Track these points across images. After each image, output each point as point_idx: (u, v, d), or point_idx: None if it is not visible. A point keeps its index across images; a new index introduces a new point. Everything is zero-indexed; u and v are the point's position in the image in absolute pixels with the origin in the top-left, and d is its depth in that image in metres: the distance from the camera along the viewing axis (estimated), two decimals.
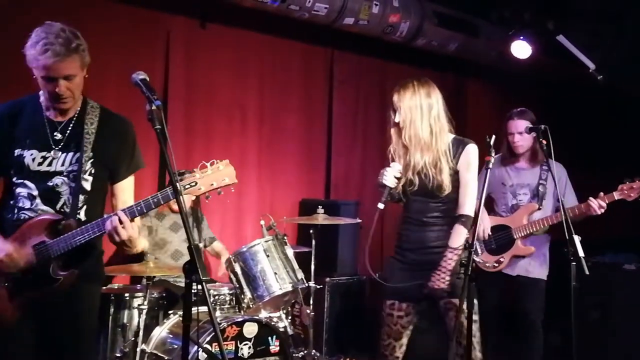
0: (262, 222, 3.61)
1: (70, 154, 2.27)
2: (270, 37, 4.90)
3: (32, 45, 2.14)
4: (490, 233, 3.84)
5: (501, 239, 3.80)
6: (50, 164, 2.26)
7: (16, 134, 2.26)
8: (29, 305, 2.21)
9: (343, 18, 4.47)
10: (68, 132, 2.29)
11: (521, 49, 4.87)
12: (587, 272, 2.88)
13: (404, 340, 2.86)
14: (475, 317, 2.67)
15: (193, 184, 2.29)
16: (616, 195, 3.49)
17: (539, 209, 3.73)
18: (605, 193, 3.50)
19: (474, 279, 2.51)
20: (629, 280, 4.39)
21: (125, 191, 2.43)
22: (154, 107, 1.99)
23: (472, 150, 2.74)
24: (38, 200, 2.24)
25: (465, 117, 5.91)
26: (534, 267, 3.76)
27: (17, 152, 2.24)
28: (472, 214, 2.72)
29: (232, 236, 4.66)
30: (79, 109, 2.33)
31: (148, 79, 2.08)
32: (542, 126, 3.18)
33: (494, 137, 2.61)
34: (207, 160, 4.54)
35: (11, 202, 2.25)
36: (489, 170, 2.62)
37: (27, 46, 2.16)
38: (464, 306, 2.60)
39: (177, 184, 2.00)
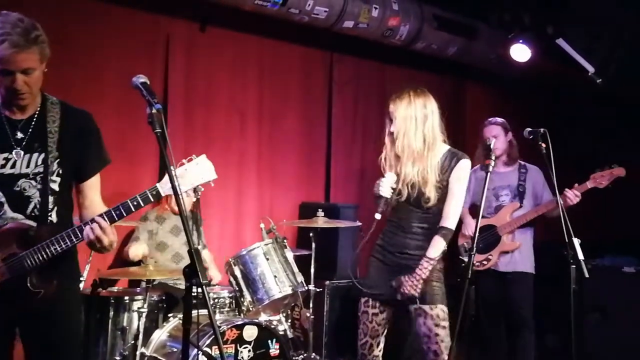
0: (262, 225, 3.61)
1: (35, 155, 2.12)
2: (270, 40, 4.90)
3: None
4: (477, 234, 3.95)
5: (488, 238, 3.93)
6: (13, 166, 2.09)
7: None
8: (8, 322, 2.10)
9: (343, 21, 4.48)
10: (30, 131, 2.12)
11: (521, 52, 4.88)
12: (586, 275, 2.89)
13: (381, 339, 2.86)
14: (445, 323, 2.69)
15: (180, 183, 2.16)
16: (589, 184, 3.71)
17: (521, 207, 3.95)
18: (579, 183, 3.72)
19: (473, 282, 2.52)
20: (628, 283, 4.40)
21: (93, 188, 2.28)
22: (154, 111, 1.96)
23: (465, 166, 2.75)
24: (6, 207, 2.08)
25: (464, 121, 5.93)
26: (522, 260, 3.94)
27: None
28: (453, 228, 2.74)
29: (232, 239, 4.66)
30: (39, 106, 2.16)
31: (148, 82, 2.06)
32: (541, 130, 3.21)
33: (494, 140, 2.62)
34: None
35: None
36: (488, 173, 2.63)
37: None
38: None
39: (178, 187, 1.98)
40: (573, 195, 3.67)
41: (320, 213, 3.84)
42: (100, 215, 2.08)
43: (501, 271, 3.97)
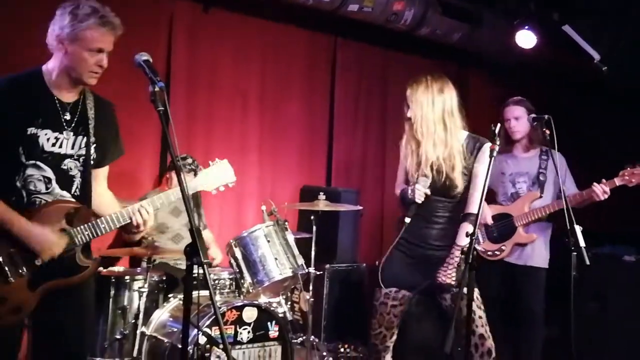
0: (263, 208, 3.61)
1: (80, 137, 2.23)
2: (273, 23, 4.87)
3: (86, 15, 2.11)
4: (491, 222, 3.85)
5: (503, 227, 3.80)
6: (60, 146, 2.19)
7: (26, 111, 2.13)
8: (47, 295, 2.14)
9: (347, 5, 4.44)
10: (77, 114, 2.24)
11: (526, 39, 4.83)
12: (587, 263, 2.87)
13: (395, 330, 2.89)
14: (481, 306, 2.73)
15: (205, 182, 2.49)
16: (617, 181, 3.48)
17: (540, 197, 3.73)
18: (606, 179, 3.50)
19: (475, 267, 2.51)
20: (628, 272, 4.40)
21: (105, 175, 2.44)
22: (156, 89, 1.97)
23: (487, 150, 2.72)
24: (55, 184, 2.17)
25: (467, 108, 5.86)
26: (536, 255, 3.77)
27: (30, 130, 2.12)
28: (477, 214, 2.71)
29: (233, 221, 4.66)
30: (80, 92, 2.28)
31: (151, 60, 2.07)
32: (546, 116, 3.17)
33: (499, 125, 2.59)
34: (208, 145, 4.56)
35: (18, 184, 2.12)
36: (493, 159, 2.60)
37: (71, 17, 2.11)
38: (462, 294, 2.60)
39: (179, 165, 1.97)
40: (601, 191, 3.47)
41: (322, 196, 3.83)
42: (146, 202, 2.27)
43: (512, 263, 3.81)
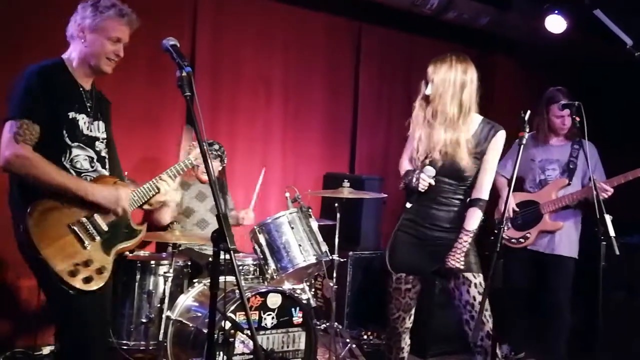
0: (287, 195, 3.60)
1: (100, 122, 2.42)
2: (296, 9, 4.84)
3: (106, 7, 2.31)
4: (517, 209, 3.80)
5: (528, 215, 3.75)
6: (91, 130, 2.37)
7: (65, 96, 2.30)
8: (118, 258, 2.40)
9: None
10: (95, 101, 2.41)
11: (556, 24, 4.72)
12: (617, 252, 2.82)
13: (412, 311, 2.92)
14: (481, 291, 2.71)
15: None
16: None
17: (569, 184, 3.69)
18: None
19: (502, 255, 2.47)
20: None
21: None
22: (184, 74, 1.99)
23: (501, 137, 2.72)
24: (96, 163, 2.36)
25: (494, 94, 5.81)
26: (564, 244, 3.72)
27: (71, 114, 2.29)
28: (487, 198, 2.72)
29: (257, 208, 4.65)
30: (92, 82, 2.44)
31: (178, 45, 2.08)
32: (576, 103, 3.12)
33: (529, 112, 2.54)
34: (231, 131, 4.56)
35: (66, 164, 2.27)
36: (522, 146, 2.56)
37: (93, 9, 2.30)
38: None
39: (206, 149, 1.98)
40: (602, 189, 3.44)
41: (346, 184, 3.81)
42: (166, 173, 2.52)
43: (540, 252, 3.77)
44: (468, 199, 2.75)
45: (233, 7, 4.55)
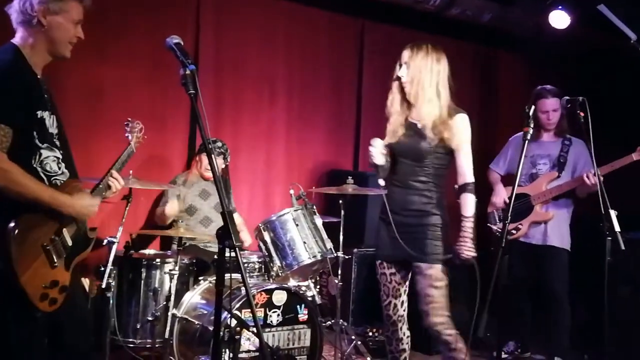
0: (292, 192, 3.61)
1: (54, 116, 2.21)
2: (299, 6, 4.83)
3: None
4: (507, 202, 3.91)
5: (519, 207, 3.83)
6: (52, 126, 2.18)
7: (30, 92, 2.10)
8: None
9: None
10: (48, 91, 2.21)
11: (559, 19, 4.70)
12: (622, 247, 2.82)
13: (404, 297, 2.91)
14: (439, 283, 2.72)
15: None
16: (635, 156, 3.55)
17: (558, 176, 3.83)
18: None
19: (507, 252, 2.48)
20: None
21: None
22: (187, 72, 1.98)
23: (465, 119, 2.79)
24: (63, 165, 2.19)
25: (497, 90, 5.81)
26: (555, 235, 3.82)
27: (39, 113, 2.11)
28: (473, 180, 2.79)
29: (261, 205, 4.69)
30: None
31: (182, 43, 2.07)
32: (580, 98, 3.11)
33: (533, 107, 2.55)
34: (236, 129, 4.55)
35: (36, 166, 2.09)
36: (527, 142, 2.57)
37: None
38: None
39: (211, 148, 1.98)
40: (591, 179, 3.56)
41: (350, 180, 3.81)
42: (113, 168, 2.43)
43: (533, 244, 3.87)
44: (456, 186, 2.82)
45: (236, 5, 4.56)
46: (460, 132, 2.78)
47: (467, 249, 2.72)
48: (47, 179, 2.12)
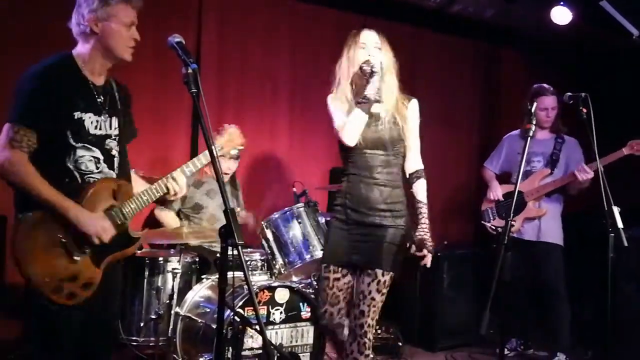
0: (294, 189, 3.61)
1: (113, 118, 2.33)
2: (302, 4, 4.82)
3: None
4: (502, 199, 4.03)
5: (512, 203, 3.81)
6: (101, 128, 2.28)
7: (70, 95, 2.21)
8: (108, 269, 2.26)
9: None
10: (108, 96, 2.33)
11: (561, 15, 4.69)
12: (625, 244, 2.82)
13: (342, 305, 2.69)
14: (385, 290, 2.59)
15: (219, 148, 2.62)
16: (625, 151, 3.61)
17: (551, 173, 3.91)
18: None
19: (509, 249, 2.48)
20: None
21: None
22: (189, 70, 1.99)
23: (413, 105, 2.74)
24: (103, 164, 2.27)
25: (499, 86, 5.79)
26: (548, 231, 3.89)
27: (76, 114, 2.20)
28: (423, 167, 2.73)
29: (264, 203, 4.68)
30: (107, 75, 2.36)
31: (184, 42, 2.08)
32: (583, 94, 3.11)
33: (535, 104, 2.55)
34: (240, 127, 4.56)
35: (70, 165, 2.19)
36: (528, 138, 2.57)
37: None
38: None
39: (213, 147, 1.99)
40: (583, 172, 3.64)
41: None
42: (177, 171, 2.42)
43: (527, 240, 3.92)
44: (408, 174, 2.72)
45: (238, 2, 4.55)
46: (417, 117, 2.73)
47: (429, 238, 2.62)
48: (81, 177, 2.22)
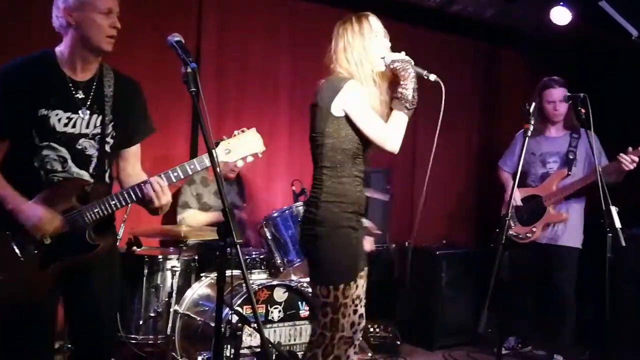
0: (293, 188, 3.62)
1: (95, 116, 2.19)
2: (302, 3, 4.83)
3: None
4: (520, 204, 3.82)
5: (532, 209, 3.77)
6: (74, 126, 2.15)
7: (37, 93, 2.11)
8: (61, 275, 2.12)
9: None
10: (92, 92, 2.19)
11: (561, 15, 4.70)
12: (623, 244, 2.82)
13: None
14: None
15: (227, 151, 2.35)
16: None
17: (569, 174, 3.73)
18: (634, 147, 3.44)
19: (507, 248, 2.48)
20: None
21: (136, 156, 2.38)
22: (189, 70, 1.96)
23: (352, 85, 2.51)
24: (70, 163, 2.15)
25: (499, 86, 5.80)
26: (567, 235, 3.76)
27: (41, 112, 2.10)
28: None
29: (263, 202, 4.69)
30: (97, 70, 2.23)
31: (183, 41, 2.06)
32: (581, 94, 3.11)
33: (533, 104, 2.55)
34: (238, 127, 4.56)
35: (35, 164, 2.11)
36: (527, 138, 2.57)
37: None
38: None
39: (212, 146, 1.97)
40: (629, 160, 3.41)
41: None
42: (159, 176, 2.18)
43: (543, 243, 3.80)
44: None
45: (238, 2, 4.55)
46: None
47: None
48: (45, 176, 2.12)
